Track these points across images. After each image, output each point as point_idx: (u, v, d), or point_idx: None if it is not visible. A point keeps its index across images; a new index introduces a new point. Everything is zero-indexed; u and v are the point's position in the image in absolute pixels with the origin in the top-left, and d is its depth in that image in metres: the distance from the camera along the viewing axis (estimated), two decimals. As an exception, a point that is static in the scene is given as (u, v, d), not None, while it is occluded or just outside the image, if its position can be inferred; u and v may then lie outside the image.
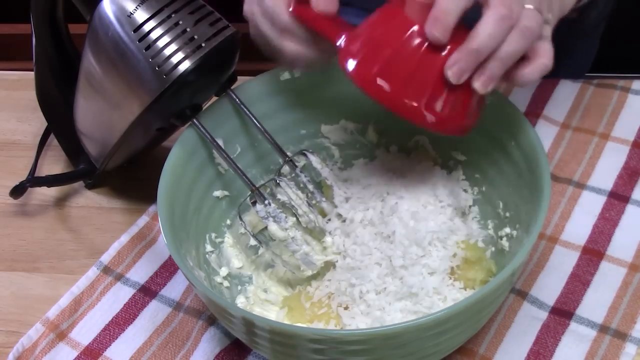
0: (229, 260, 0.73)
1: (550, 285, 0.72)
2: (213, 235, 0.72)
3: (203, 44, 0.66)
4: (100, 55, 0.68)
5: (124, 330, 0.72)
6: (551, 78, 0.87)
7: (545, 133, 0.83)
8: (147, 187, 0.83)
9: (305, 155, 0.74)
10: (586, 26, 0.98)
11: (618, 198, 0.77)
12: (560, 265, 0.73)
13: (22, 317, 0.74)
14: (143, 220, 0.80)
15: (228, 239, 0.74)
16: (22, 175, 0.85)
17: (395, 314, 0.65)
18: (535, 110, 0.85)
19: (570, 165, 0.80)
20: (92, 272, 0.76)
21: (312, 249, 0.70)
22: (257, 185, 0.69)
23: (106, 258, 0.77)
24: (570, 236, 0.75)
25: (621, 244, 0.74)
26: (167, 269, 0.76)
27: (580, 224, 0.76)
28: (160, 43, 0.65)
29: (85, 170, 0.82)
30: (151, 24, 0.65)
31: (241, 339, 0.65)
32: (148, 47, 0.65)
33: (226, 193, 0.74)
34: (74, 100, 0.74)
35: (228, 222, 0.75)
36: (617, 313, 0.69)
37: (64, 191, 0.85)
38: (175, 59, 0.65)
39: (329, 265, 0.70)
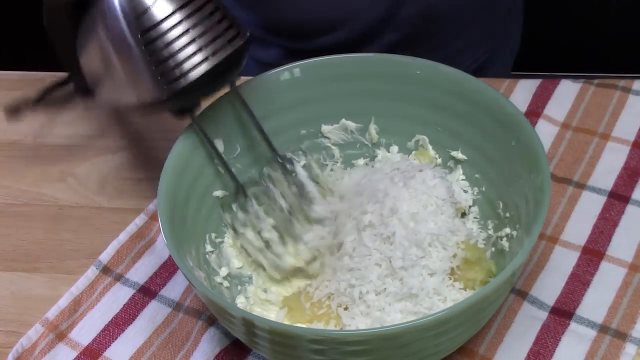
0: (229, 260, 0.73)
1: (550, 285, 0.72)
2: (213, 235, 0.72)
3: (210, 56, 0.64)
4: (96, 44, 0.65)
5: (124, 330, 0.72)
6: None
7: (545, 133, 0.83)
8: (147, 187, 0.83)
9: (304, 154, 0.74)
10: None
11: (618, 198, 0.77)
12: (560, 266, 0.73)
13: (21, 317, 0.74)
14: (141, 219, 0.80)
15: (228, 239, 0.74)
16: (22, 175, 0.85)
17: (395, 315, 0.65)
18: (535, 110, 0.85)
19: (570, 165, 0.80)
20: (92, 272, 0.76)
21: (287, 251, 0.70)
22: (242, 183, 0.69)
23: (105, 257, 0.77)
24: (570, 236, 0.75)
25: (621, 244, 0.74)
26: (167, 269, 0.76)
27: (580, 224, 0.76)
28: (167, 52, 0.63)
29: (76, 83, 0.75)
30: (160, 29, 0.62)
31: (241, 339, 0.65)
32: (153, 53, 0.63)
33: (226, 193, 0.74)
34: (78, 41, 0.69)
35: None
36: (617, 313, 0.69)
37: (64, 191, 0.85)
38: (179, 71, 0.63)
39: (324, 267, 0.70)
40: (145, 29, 0.62)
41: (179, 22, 0.63)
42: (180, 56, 0.63)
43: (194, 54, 0.63)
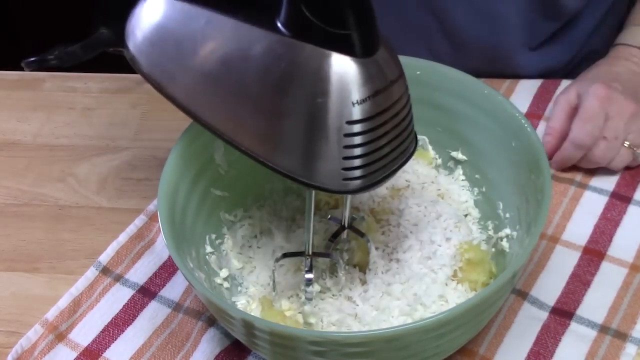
0: (229, 261, 0.73)
1: (550, 286, 0.72)
2: (213, 236, 0.72)
3: (389, 164, 0.58)
4: (275, 94, 0.56)
5: (124, 331, 0.72)
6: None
7: (546, 133, 0.83)
8: (147, 187, 0.83)
9: None
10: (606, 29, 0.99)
11: (620, 198, 0.77)
12: (561, 266, 0.73)
13: (21, 317, 0.74)
14: (141, 220, 0.80)
15: (228, 240, 0.73)
16: (23, 175, 0.85)
17: (394, 320, 0.65)
18: (536, 111, 0.85)
19: (572, 165, 0.80)
20: (91, 273, 0.76)
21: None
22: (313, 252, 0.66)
23: (104, 258, 0.77)
24: (571, 236, 0.75)
25: (622, 245, 0.74)
26: (166, 270, 0.76)
27: (581, 224, 0.76)
28: (359, 150, 0.56)
29: (106, 38, 0.66)
30: (364, 126, 0.55)
31: (241, 340, 0.65)
32: (347, 146, 0.56)
33: (226, 194, 0.73)
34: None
35: (228, 221, 0.74)
36: (618, 313, 0.69)
37: (64, 191, 0.85)
38: (360, 172, 0.57)
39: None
40: (351, 120, 0.55)
41: (380, 125, 0.56)
42: (368, 159, 0.57)
43: (379, 160, 0.57)
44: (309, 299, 0.67)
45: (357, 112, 0.55)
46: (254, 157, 0.59)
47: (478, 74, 0.73)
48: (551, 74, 0.90)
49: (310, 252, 0.65)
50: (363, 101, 0.55)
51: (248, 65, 0.57)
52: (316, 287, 0.68)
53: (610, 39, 0.88)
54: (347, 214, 0.67)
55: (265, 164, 0.58)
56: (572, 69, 0.93)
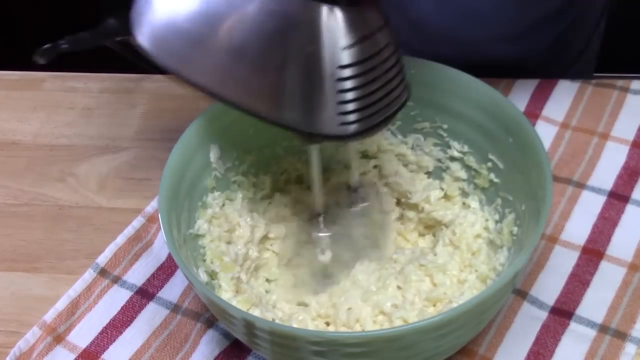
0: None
1: (550, 285, 0.72)
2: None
3: (383, 109, 0.61)
4: (268, 47, 0.60)
5: (122, 332, 0.72)
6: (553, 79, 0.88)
7: (544, 133, 0.83)
8: (147, 187, 0.83)
9: None
10: (585, 25, 0.98)
11: (618, 198, 0.77)
12: (560, 265, 0.73)
13: (21, 317, 0.74)
14: (139, 221, 0.80)
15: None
16: (22, 175, 0.85)
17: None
18: (534, 110, 0.85)
19: (569, 165, 0.80)
20: (89, 275, 0.76)
21: None
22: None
23: (102, 260, 0.76)
24: (570, 236, 0.75)
25: (621, 244, 0.74)
26: (165, 271, 0.76)
27: (580, 224, 0.76)
28: (352, 95, 0.59)
29: (113, 27, 0.68)
30: (354, 70, 0.58)
31: (241, 339, 0.65)
32: (340, 91, 0.59)
33: (225, 195, 0.73)
34: None
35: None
36: (617, 313, 0.69)
37: (64, 191, 0.85)
38: (354, 117, 0.60)
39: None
40: (342, 65, 0.58)
41: (369, 70, 0.59)
42: (361, 102, 0.59)
43: (372, 104, 0.60)
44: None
45: (346, 57, 0.58)
46: (262, 118, 0.61)
47: (450, 64, 0.73)
48: (526, 64, 0.89)
49: (321, 211, 0.70)
50: (351, 46, 0.58)
51: (245, 27, 0.60)
52: (327, 255, 0.72)
53: (586, 30, 0.86)
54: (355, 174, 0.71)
55: (272, 122, 0.61)
56: (548, 59, 0.94)
